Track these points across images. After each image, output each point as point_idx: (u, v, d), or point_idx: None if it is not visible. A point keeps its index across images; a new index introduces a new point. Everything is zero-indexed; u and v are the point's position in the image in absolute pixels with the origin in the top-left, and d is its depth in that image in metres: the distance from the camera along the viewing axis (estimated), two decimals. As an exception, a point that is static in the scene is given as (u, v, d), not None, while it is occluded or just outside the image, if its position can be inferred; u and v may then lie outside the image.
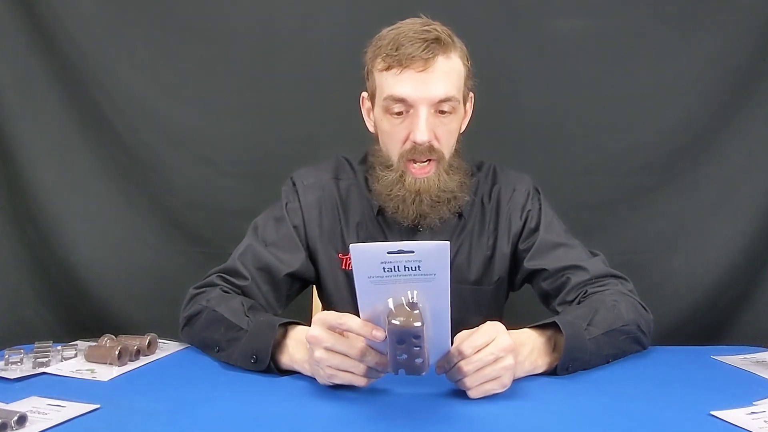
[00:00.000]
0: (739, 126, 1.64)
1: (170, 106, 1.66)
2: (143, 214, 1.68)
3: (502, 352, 0.80)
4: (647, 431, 0.73)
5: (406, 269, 0.71)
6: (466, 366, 0.79)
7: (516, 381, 0.85)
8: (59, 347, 0.99)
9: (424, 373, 0.76)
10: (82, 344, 1.03)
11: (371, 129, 1.17)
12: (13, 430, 0.71)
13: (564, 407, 0.80)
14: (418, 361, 0.74)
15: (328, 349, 0.80)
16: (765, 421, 0.74)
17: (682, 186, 1.68)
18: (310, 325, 0.85)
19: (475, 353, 0.79)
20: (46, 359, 0.94)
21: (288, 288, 1.15)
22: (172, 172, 1.68)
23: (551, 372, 0.90)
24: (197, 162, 1.68)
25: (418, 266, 0.71)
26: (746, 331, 1.66)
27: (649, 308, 1.07)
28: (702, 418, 0.76)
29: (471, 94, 1.17)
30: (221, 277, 1.11)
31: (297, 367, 0.90)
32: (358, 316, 0.77)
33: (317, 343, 0.80)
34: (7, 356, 0.94)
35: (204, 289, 1.09)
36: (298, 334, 0.92)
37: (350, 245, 0.73)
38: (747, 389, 0.86)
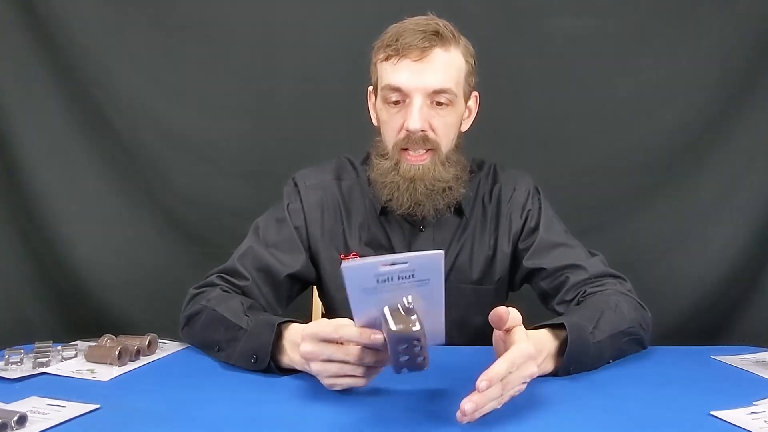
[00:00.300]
0: (740, 126, 1.64)
1: (170, 106, 1.66)
2: (143, 214, 1.68)
3: (528, 378, 0.77)
4: (647, 431, 0.73)
5: (400, 278, 0.71)
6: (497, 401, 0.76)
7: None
8: (59, 347, 0.99)
9: (426, 368, 0.75)
10: (82, 344, 1.03)
11: (375, 122, 1.17)
12: (13, 430, 0.71)
13: (564, 407, 0.80)
14: (420, 359, 0.74)
15: (325, 361, 0.79)
16: (765, 421, 0.74)
17: (682, 186, 1.68)
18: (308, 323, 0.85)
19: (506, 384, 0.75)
20: (46, 359, 0.94)
21: (288, 289, 1.15)
22: (172, 172, 1.68)
23: (551, 373, 0.90)
24: (197, 162, 1.68)
25: (412, 275, 0.71)
26: (746, 331, 1.66)
27: (650, 308, 1.07)
28: (702, 418, 0.76)
29: (475, 94, 1.17)
30: (221, 277, 1.11)
31: (297, 367, 0.90)
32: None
33: (313, 357, 0.80)
34: (7, 356, 0.94)
35: (204, 289, 1.09)
36: (292, 334, 0.91)
37: (342, 265, 0.70)
38: (747, 389, 0.86)
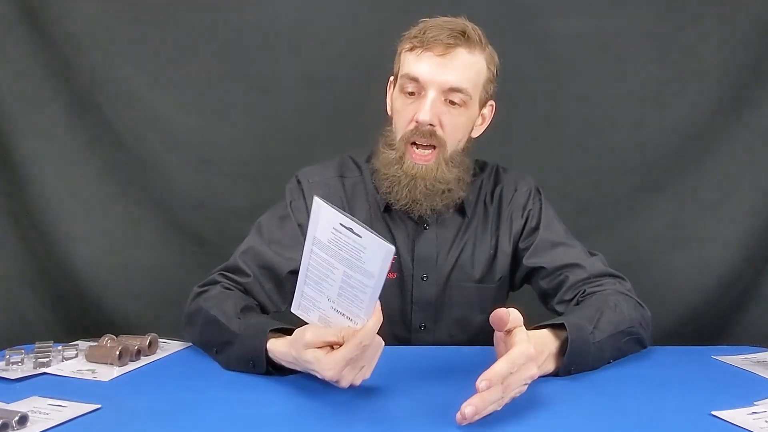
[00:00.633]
0: (740, 126, 1.64)
1: (170, 106, 1.66)
2: (143, 214, 1.68)
3: (529, 380, 0.77)
4: (648, 431, 0.73)
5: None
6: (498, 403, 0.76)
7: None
8: (60, 347, 0.99)
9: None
10: (82, 344, 1.03)
11: (389, 111, 1.17)
12: (14, 430, 0.71)
13: (564, 407, 0.80)
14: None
15: (351, 368, 0.79)
16: (766, 421, 0.74)
17: (682, 186, 1.68)
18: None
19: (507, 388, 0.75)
20: (47, 359, 0.94)
21: (291, 285, 1.15)
22: (172, 172, 1.68)
23: (552, 373, 0.90)
24: (197, 162, 1.68)
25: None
26: (746, 331, 1.66)
27: (650, 308, 1.07)
28: (703, 418, 0.76)
29: (492, 103, 1.18)
30: (223, 275, 1.11)
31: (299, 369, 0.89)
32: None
33: (342, 378, 0.79)
34: (7, 356, 0.94)
35: (206, 287, 1.09)
36: (276, 350, 0.88)
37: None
38: (748, 389, 0.86)
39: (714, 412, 0.77)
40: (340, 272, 0.76)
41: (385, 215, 1.18)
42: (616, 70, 1.65)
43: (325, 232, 0.75)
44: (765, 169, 1.64)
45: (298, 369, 0.86)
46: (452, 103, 1.08)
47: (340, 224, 0.74)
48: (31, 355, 0.96)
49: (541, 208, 1.20)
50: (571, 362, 0.90)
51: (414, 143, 1.09)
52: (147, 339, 1.02)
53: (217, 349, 0.97)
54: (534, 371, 0.76)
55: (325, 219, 0.75)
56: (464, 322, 1.19)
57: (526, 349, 0.75)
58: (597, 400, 0.83)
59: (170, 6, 1.63)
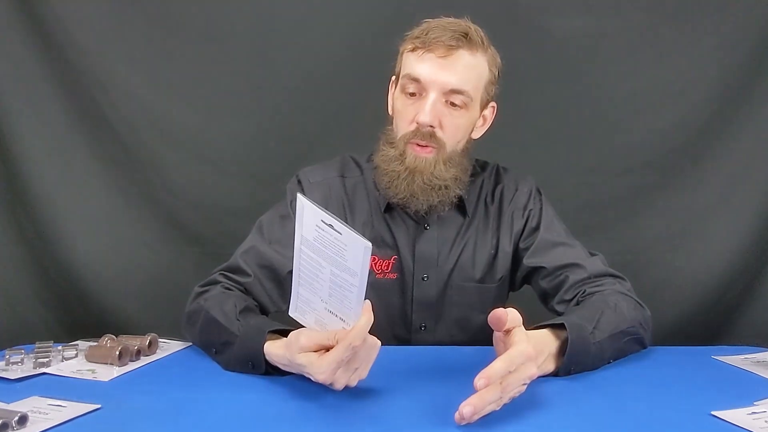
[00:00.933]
0: (739, 126, 1.64)
1: (170, 106, 1.66)
2: (143, 214, 1.68)
3: (528, 380, 0.77)
4: (648, 431, 0.73)
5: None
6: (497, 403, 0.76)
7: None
8: (60, 347, 0.99)
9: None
10: (82, 344, 1.03)
11: (390, 111, 1.18)
12: (14, 430, 0.71)
13: (564, 407, 0.80)
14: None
15: (344, 369, 0.79)
16: (766, 421, 0.74)
17: (682, 186, 1.68)
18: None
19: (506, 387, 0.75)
20: (47, 359, 0.94)
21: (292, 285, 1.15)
22: (172, 172, 1.68)
23: (552, 373, 0.90)
24: (197, 162, 1.68)
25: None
26: (747, 331, 1.66)
27: (650, 308, 1.07)
28: (703, 418, 0.76)
29: (493, 105, 1.18)
30: (224, 274, 1.11)
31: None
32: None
33: (335, 381, 0.79)
34: (7, 356, 0.94)
35: (207, 287, 1.09)
36: (272, 352, 0.88)
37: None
38: (748, 389, 0.86)
39: (714, 412, 0.77)
40: (328, 271, 0.77)
41: (386, 215, 1.18)
42: (616, 70, 1.65)
43: (311, 230, 0.76)
44: (765, 169, 1.64)
45: (294, 371, 0.86)
46: (453, 104, 1.08)
47: (322, 221, 0.74)
48: (31, 355, 0.96)
49: (541, 208, 1.21)
50: (571, 362, 0.90)
51: (414, 143, 1.10)
52: (147, 339, 1.02)
53: (217, 349, 0.97)
54: (533, 371, 0.76)
55: (309, 216, 0.76)
56: (465, 322, 1.19)
57: (525, 349, 0.75)
58: (597, 400, 0.83)
59: (170, 6, 1.63)
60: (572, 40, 1.64)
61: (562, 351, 0.91)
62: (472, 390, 0.72)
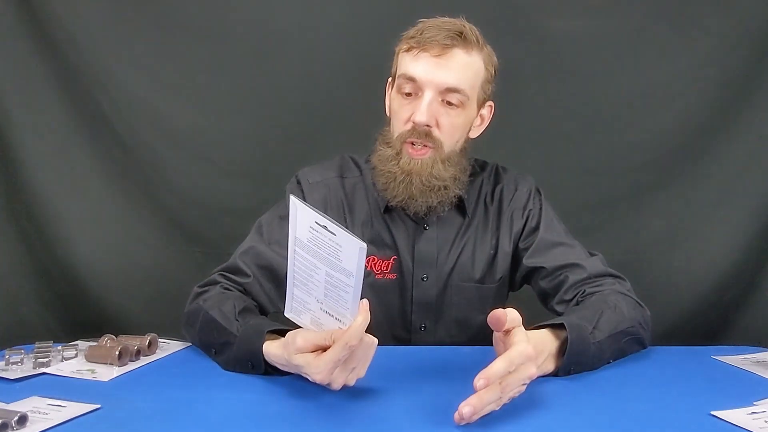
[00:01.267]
0: (739, 126, 1.64)
1: (170, 106, 1.66)
2: (143, 214, 1.68)
3: (528, 380, 0.77)
4: (647, 431, 0.73)
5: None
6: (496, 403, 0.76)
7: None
8: (60, 347, 0.99)
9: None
10: (82, 344, 1.03)
11: (387, 111, 1.18)
12: (13, 430, 0.71)
13: (564, 407, 0.80)
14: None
15: (341, 369, 0.79)
16: (765, 421, 0.74)
17: (682, 186, 1.68)
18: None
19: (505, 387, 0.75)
20: (47, 359, 0.94)
21: None
22: (172, 172, 1.68)
23: (552, 373, 0.90)
24: (197, 162, 1.68)
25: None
26: (746, 331, 1.66)
27: (649, 308, 1.07)
28: (702, 418, 0.76)
29: (490, 103, 1.18)
30: (223, 275, 1.11)
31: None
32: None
33: (332, 381, 0.79)
34: (7, 356, 0.94)
35: (206, 288, 1.09)
36: (271, 352, 0.88)
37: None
38: (747, 389, 0.86)
39: (714, 412, 0.77)
40: (323, 272, 0.77)
41: (386, 215, 1.18)
42: (616, 70, 1.65)
43: (304, 231, 0.76)
44: (765, 170, 1.64)
45: (292, 371, 0.86)
46: (449, 103, 1.08)
47: (316, 222, 0.74)
48: (31, 355, 0.96)
49: (541, 208, 1.21)
50: (571, 362, 0.90)
51: (411, 142, 1.10)
52: (147, 339, 1.02)
53: (216, 349, 0.97)
54: (533, 371, 0.76)
55: (302, 218, 0.76)
56: (464, 323, 1.19)
57: (524, 349, 0.75)
58: (597, 400, 0.83)
59: (170, 6, 1.63)
60: (572, 40, 1.64)
61: (561, 351, 0.90)
62: (471, 390, 0.72)
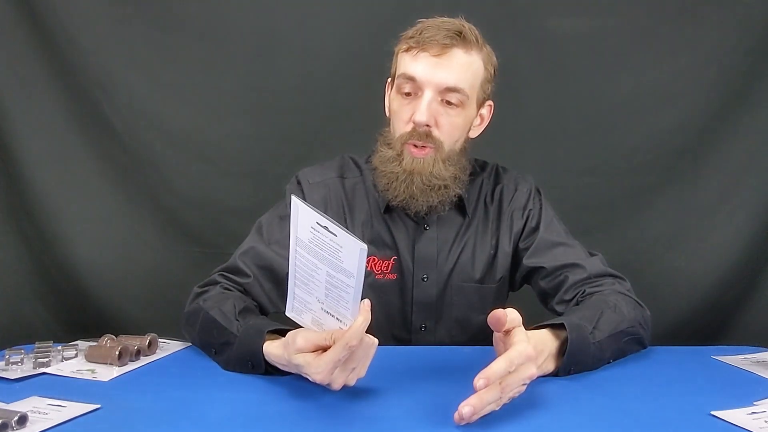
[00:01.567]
0: (739, 126, 1.64)
1: (170, 106, 1.66)
2: (143, 214, 1.68)
3: (528, 380, 0.77)
4: (647, 431, 0.73)
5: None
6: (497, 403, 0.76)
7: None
8: (60, 347, 0.99)
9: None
10: (82, 344, 1.03)
11: (387, 112, 1.18)
12: (13, 429, 0.71)
13: (564, 407, 0.80)
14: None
15: (341, 369, 0.78)
16: (765, 421, 0.74)
17: (682, 186, 1.68)
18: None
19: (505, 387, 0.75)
20: (47, 359, 0.94)
21: None
22: (172, 172, 1.68)
23: (552, 373, 0.90)
24: (197, 162, 1.68)
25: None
26: (746, 331, 1.66)
27: (649, 308, 1.07)
28: (702, 418, 0.76)
29: (490, 103, 1.18)
30: (223, 275, 1.11)
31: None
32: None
33: (332, 381, 0.79)
34: (7, 356, 0.94)
35: (206, 288, 1.09)
36: (271, 352, 0.88)
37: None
38: (747, 389, 0.86)
39: (714, 412, 0.77)
40: (324, 272, 0.77)
41: (386, 216, 1.18)
42: (616, 70, 1.66)
43: (305, 231, 0.76)
44: (765, 170, 1.64)
45: (292, 371, 0.86)
46: (449, 103, 1.08)
47: (317, 223, 0.74)
48: (31, 355, 0.96)
49: (541, 208, 1.21)
50: (571, 362, 0.90)
51: (411, 144, 1.09)
52: (147, 339, 1.02)
53: (216, 349, 0.97)
54: (533, 371, 0.76)
55: (303, 219, 0.76)
56: (465, 323, 1.19)
57: (524, 349, 0.75)
58: (597, 400, 0.82)
59: (170, 6, 1.63)
60: (572, 40, 1.64)
61: (561, 351, 0.90)
62: (472, 390, 0.72)
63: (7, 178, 1.62)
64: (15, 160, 1.61)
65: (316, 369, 0.78)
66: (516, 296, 1.26)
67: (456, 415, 0.72)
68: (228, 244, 1.23)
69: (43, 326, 1.64)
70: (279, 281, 1.11)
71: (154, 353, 1.02)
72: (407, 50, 1.10)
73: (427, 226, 1.17)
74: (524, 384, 0.76)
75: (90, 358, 0.97)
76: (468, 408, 0.71)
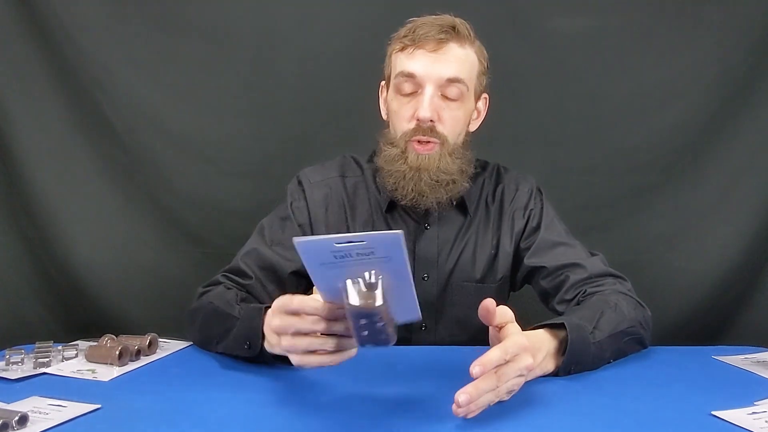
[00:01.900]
0: (740, 125, 1.64)
1: (170, 106, 1.66)
2: (143, 214, 1.68)
3: (525, 371, 0.76)
4: (648, 431, 0.73)
5: (359, 255, 0.68)
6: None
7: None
8: (60, 347, 0.99)
9: (391, 344, 0.71)
10: (82, 344, 1.03)
11: (384, 116, 1.18)
12: (14, 430, 0.71)
13: (564, 407, 0.80)
14: (383, 336, 0.70)
15: (295, 335, 0.75)
16: (766, 421, 0.74)
17: (682, 186, 1.68)
18: None
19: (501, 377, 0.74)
20: (47, 359, 0.94)
21: (294, 286, 1.15)
22: (172, 172, 1.68)
23: (552, 373, 0.90)
24: (197, 162, 1.68)
25: (372, 252, 0.68)
26: (746, 331, 1.66)
27: (650, 308, 1.08)
28: (703, 418, 0.76)
29: (485, 96, 1.18)
30: (226, 276, 1.12)
31: (276, 351, 0.85)
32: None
33: (283, 331, 0.76)
34: (7, 356, 0.94)
35: (210, 288, 1.10)
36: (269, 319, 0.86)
37: (294, 239, 0.67)
38: (748, 389, 0.86)
39: (714, 412, 0.77)
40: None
41: (387, 215, 1.18)
42: (616, 70, 1.66)
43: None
44: (765, 169, 1.64)
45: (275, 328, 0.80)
46: (449, 98, 1.09)
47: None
48: (31, 355, 0.96)
49: (542, 208, 1.21)
50: (571, 362, 0.90)
51: (416, 140, 1.10)
52: (147, 339, 1.02)
53: (218, 340, 0.97)
54: (529, 361, 0.75)
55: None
56: (465, 322, 1.19)
57: (519, 340, 0.75)
58: (597, 400, 0.83)
59: (170, 6, 1.63)
60: (572, 40, 1.64)
61: (561, 350, 0.91)
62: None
63: (7, 178, 1.61)
64: (15, 160, 1.61)
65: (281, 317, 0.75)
66: (516, 296, 1.26)
67: (453, 405, 0.71)
68: (228, 244, 1.23)
69: (43, 326, 1.64)
70: (281, 282, 1.12)
71: (155, 353, 1.02)
72: (402, 49, 1.10)
73: (428, 225, 1.17)
74: (521, 375, 0.76)
75: (90, 358, 0.97)
76: (464, 396, 0.71)
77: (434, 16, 1.11)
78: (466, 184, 1.15)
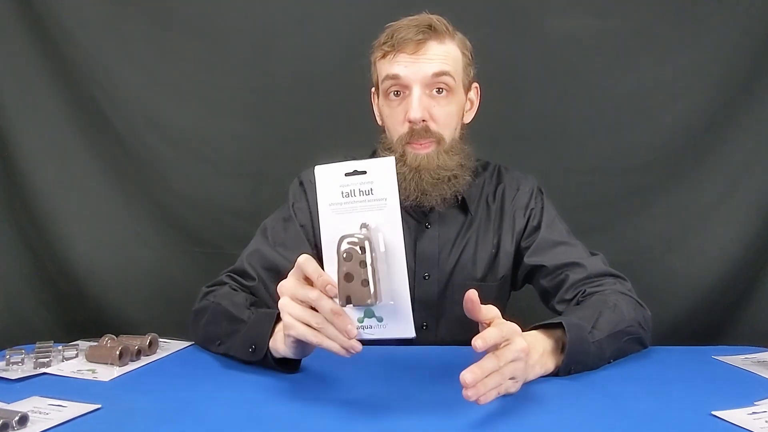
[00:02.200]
0: (740, 125, 1.64)
1: (170, 106, 1.66)
2: (143, 214, 1.68)
3: (521, 353, 0.77)
4: (648, 431, 0.73)
5: (361, 193, 0.76)
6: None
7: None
8: (60, 347, 1.00)
9: (370, 302, 0.75)
10: (83, 344, 1.03)
11: (379, 121, 1.19)
12: (14, 430, 0.71)
13: (565, 407, 0.80)
14: (368, 300, 0.75)
15: (293, 298, 0.78)
16: (766, 421, 0.74)
17: (682, 186, 1.68)
18: None
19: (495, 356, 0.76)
20: (47, 359, 0.95)
21: None
22: (172, 172, 1.68)
23: (552, 373, 0.90)
24: (197, 162, 1.68)
25: (371, 189, 0.76)
26: (746, 331, 1.66)
27: (650, 308, 1.08)
28: (703, 418, 0.76)
29: (476, 85, 1.19)
30: (230, 276, 1.13)
31: (281, 348, 0.87)
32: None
33: (284, 291, 0.78)
34: (8, 356, 0.94)
35: (214, 288, 1.10)
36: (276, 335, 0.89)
37: (315, 167, 0.78)
38: (748, 389, 0.86)
39: (714, 412, 0.77)
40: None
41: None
42: (617, 71, 1.65)
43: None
44: (765, 169, 1.64)
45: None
46: (439, 91, 1.09)
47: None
48: (32, 355, 0.96)
49: (543, 208, 1.21)
50: (571, 361, 0.90)
51: (411, 143, 1.10)
52: (147, 339, 1.02)
53: (221, 340, 0.97)
54: (523, 344, 0.77)
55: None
56: (466, 321, 1.18)
57: (510, 324, 0.77)
58: (597, 400, 0.83)
59: (170, 6, 1.63)
60: (573, 40, 1.64)
61: (559, 349, 0.91)
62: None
63: (6, 177, 1.61)
64: (14, 159, 1.61)
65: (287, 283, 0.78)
66: (516, 296, 1.26)
67: (463, 390, 0.71)
68: (228, 244, 1.23)
69: (43, 326, 1.64)
70: None
71: (155, 353, 1.02)
72: (384, 56, 1.11)
73: (429, 224, 1.18)
74: (519, 359, 0.76)
75: (90, 358, 0.97)
76: (470, 374, 0.71)
77: (410, 18, 1.12)
78: (468, 178, 1.15)
